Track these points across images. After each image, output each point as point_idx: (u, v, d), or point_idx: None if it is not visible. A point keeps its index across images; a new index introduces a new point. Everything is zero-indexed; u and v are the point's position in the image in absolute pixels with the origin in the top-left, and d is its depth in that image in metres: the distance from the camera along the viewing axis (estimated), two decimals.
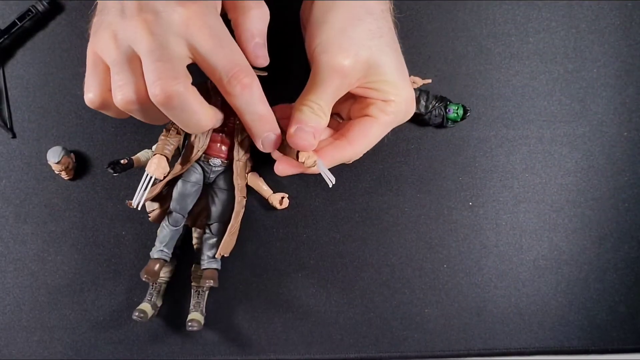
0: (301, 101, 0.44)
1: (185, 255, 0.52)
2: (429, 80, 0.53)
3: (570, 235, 0.54)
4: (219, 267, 0.50)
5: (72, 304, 0.53)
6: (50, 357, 0.52)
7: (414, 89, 0.52)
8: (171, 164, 0.47)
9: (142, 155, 0.49)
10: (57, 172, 0.51)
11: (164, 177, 0.46)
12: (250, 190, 0.52)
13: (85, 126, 0.53)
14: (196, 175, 0.48)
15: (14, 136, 0.53)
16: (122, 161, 0.46)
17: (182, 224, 0.49)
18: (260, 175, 0.52)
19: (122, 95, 0.38)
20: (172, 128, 0.47)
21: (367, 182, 0.54)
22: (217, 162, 0.48)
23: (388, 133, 0.46)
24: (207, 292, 0.51)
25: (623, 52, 0.55)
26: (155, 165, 0.45)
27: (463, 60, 0.54)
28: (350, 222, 0.53)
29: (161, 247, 0.49)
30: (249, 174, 0.51)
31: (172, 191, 0.49)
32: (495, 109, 0.54)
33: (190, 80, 0.39)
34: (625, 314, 0.54)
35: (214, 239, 0.50)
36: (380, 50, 0.43)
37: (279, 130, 0.43)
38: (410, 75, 0.53)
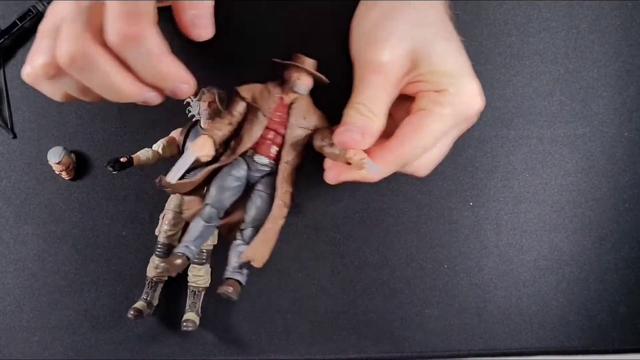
0: (348, 104, 0.41)
1: None
2: None
3: (571, 236, 0.54)
4: (244, 282, 0.46)
5: (72, 305, 0.53)
6: (51, 358, 0.52)
7: None
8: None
9: (141, 154, 0.49)
10: (57, 172, 0.51)
11: (207, 164, 0.44)
12: None
13: (85, 126, 0.53)
14: (240, 171, 0.45)
15: (15, 136, 0.53)
16: (121, 159, 0.46)
17: (215, 223, 0.46)
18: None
19: (69, 47, 0.33)
20: (226, 117, 0.44)
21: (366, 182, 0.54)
22: (263, 161, 0.45)
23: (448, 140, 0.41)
24: (203, 293, 0.51)
25: (624, 52, 0.55)
26: (200, 145, 0.42)
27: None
28: (350, 222, 0.53)
29: (187, 243, 0.45)
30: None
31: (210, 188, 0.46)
32: (495, 109, 0.54)
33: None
34: (625, 314, 0.54)
35: (244, 247, 0.46)
36: (425, 39, 0.40)
37: (191, 81, 0.37)
38: None
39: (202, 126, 0.50)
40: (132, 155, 0.48)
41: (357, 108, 0.40)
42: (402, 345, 0.53)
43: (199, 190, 0.46)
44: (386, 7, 0.41)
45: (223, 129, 0.44)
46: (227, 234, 0.48)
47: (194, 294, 0.51)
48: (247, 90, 0.45)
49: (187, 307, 0.50)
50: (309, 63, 0.45)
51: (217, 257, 0.52)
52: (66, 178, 0.52)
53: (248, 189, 0.46)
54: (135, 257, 0.53)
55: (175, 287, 0.52)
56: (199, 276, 0.50)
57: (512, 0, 0.55)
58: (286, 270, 0.53)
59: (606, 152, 0.54)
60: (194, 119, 0.51)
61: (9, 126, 0.53)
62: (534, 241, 0.54)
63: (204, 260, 0.50)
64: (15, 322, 0.52)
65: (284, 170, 0.45)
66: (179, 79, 0.36)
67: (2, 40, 0.51)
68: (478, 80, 0.41)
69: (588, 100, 0.55)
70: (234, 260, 0.46)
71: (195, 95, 0.49)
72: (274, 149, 0.45)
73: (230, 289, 0.44)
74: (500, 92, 0.54)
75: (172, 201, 0.50)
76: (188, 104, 0.51)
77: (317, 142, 0.44)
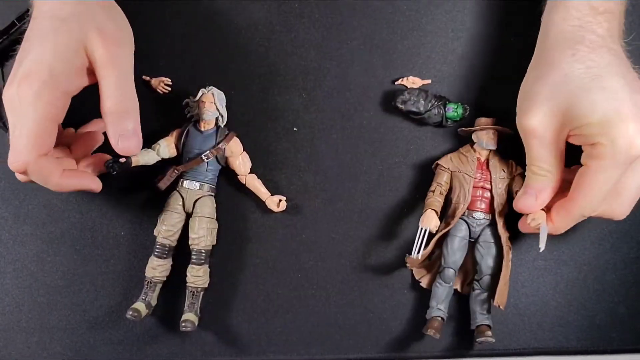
0: (527, 168, 0.46)
1: (179, 255, 0.52)
2: (429, 81, 0.53)
3: (570, 236, 0.54)
4: (491, 324, 0.50)
5: (71, 305, 0.52)
6: (50, 358, 0.52)
7: (414, 88, 0.52)
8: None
9: (140, 155, 0.49)
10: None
11: (437, 232, 0.50)
12: (249, 193, 0.52)
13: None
14: (463, 231, 0.51)
15: None
16: (120, 160, 0.47)
17: (453, 280, 0.51)
18: (258, 178, 0.52)
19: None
20: (436, 189, 0.51)
21: (366, 182, 0.54)
22: (480, 216, 0.50)
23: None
24: (201, 293, 0.51)
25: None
26: (429, 219, 0.49)
27: (462, 60, 0.54)
28: (349, 222, 0.53)
29: (438, 306, 0.51)
30: (247, 176, 0.51)
31: (440, 253, 0.52)
32: (494, 110, 0.54)
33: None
34: (624, 314, 0.54)
35: (485, 294, 0.51)
36: (570, 94, 0.41)
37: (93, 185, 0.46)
38: (409, 76, 0.53)
39: (201, 126, 0.50)
40: (131, 157, 0.48)
41: (532, 170, 0.45)
42: (401, 345, 0.53)
43: (429, 257, 0.52)
44: (535, 70, 0.45)
45: (440, 199, 0.51)
46: (462, 286, 0.53)
47: (193, 295, 0.51)
48: (446, 161, 0.51)
49: (185, 307, 0.50)
50: (491, 121, 0.51)
51: (215, 259, 0.52)
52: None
53: (472, 243, 0.52)
54: (133, 257, 0.53)
55: (173, 288, 0.52)
56: (198, 277, 0.50)
57: (511, 1, 0.55)
58: (285, 271, 0.53)
59: None
60: (192, 120, 0.51)
61: (7, 126, 0.53)
62: (533, 241, 0.54)
63: (203, 261, 0.50)
64: (13, 322, 0.52)
65: (501, 219, 0.50)
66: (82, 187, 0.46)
67: (1, 40, 0.51)
68: (633, 118, 0.40)
69: None
70: (478, 308, 0.51)
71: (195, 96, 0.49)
72: (485, 203, 0.51)
73: (490, 333, 0.49)
74: (499, 92, 0.54)
75: (170, 202, 0.50)
76: (187, 104, 0.51)
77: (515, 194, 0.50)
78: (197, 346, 0.53)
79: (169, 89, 0.53)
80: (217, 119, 0.51)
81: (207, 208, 0.51)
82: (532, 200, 0.45)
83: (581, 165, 0.43)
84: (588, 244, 0.54)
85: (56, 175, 0.43)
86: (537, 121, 0.43)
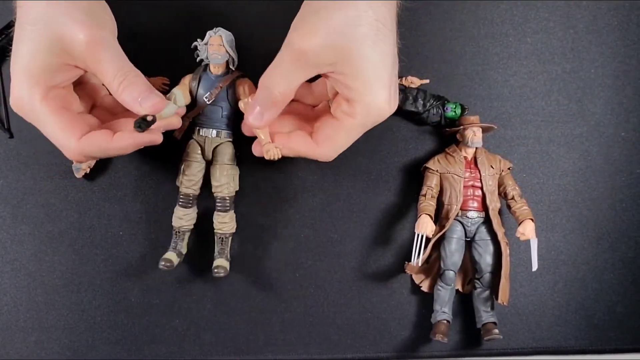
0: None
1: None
2: (427, 81, 0.53)
3: (568, 235, 0.54)
4: (496, 321, 0.51)
5: (69, 304, 0.52)
6: (48, 358, 0.52)
7: (412, 88, 0.52)
8: None
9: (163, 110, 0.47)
10: (82, 169, 0.51)
11: (433, 235, 0.50)
12: (247, 192, 0.52)
13: None
14: (458, 232, 0.51)
15: (12, 136, 0.53)
16: (148, 118, 0.44)
17: (454, 282, 0.51)
18: (257, 177, 0.52)
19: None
20: (427, 192, 0.51)
21: (365, 182, 0.54)
22: (473, 215, 0.51)
23: (365, 133, 0.45)
24: (230, 239, 0.51)
25: (621, 53, 0.55)
26: (424, 224, 0.49)
27: (461, 60, 0.54)
28: (348, 222, 0.53)
29: (442, 309, 0.51)
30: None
31: (437, 256, 0.52)
32: (492, 109, 0.54)
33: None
34: (622, 314, 0.54)
35: (487, 292, 0.51)
36: (356, 40, 0.41)
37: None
38: (407, 76, 0.53)
39: (212, 70, 0.49)
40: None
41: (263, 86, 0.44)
42: (400, 345, 0.53)
43: (427, 260, 0.53)
44: (329, 1, 0.42)
45: (432, 203, 0.51)
46: (463, 286, 0.53)
47: (222, 241, 0.51)
48: (434, 163, 0.51)
49: (215, 253, 0.50)
50: (476, 119, 0.51)
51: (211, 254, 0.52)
52: (79, 176, 0.51)
53: (469, 242, 0.52)
54: (131, 256, 0.53)
55: (174, 284, 0.52)
56: (224, 223, 0.50)
57: (510, 0, 0.55)
58: (283, 270, 0.53)
59: (603, 152, 0.55)
60: (203, 63, 0.50)
61: (5, 126, 0.53)
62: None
63: (228, 207, 0.50)
64: (12, 322, 0.52)
65: (495, 216, 0.51)
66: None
67: None
68: (389, 88, 0.42)
69: (585, 101, 0.55)
70: (482, 307, 0.51)
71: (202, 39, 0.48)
72: (477, 202, 0.51)
73: (496, 331, 0.50)
74: (497, 92, 0.54)
75: (189, 151, 0.50)
76: (195, 47, 0.50)
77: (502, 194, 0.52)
78: (195, 346, 0.53)
79: (167, 88, 0.53)
80: (227, 62, 0.49)
81: (227, 155, 0.50)
82: (258, 115, 0.43)
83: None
84: (586, 244, 0.54)
85: (109, 142, 0.43)
86: (314, 43, 0.41)
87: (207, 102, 0.49)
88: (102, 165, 0.52)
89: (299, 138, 0.45)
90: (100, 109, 0.48)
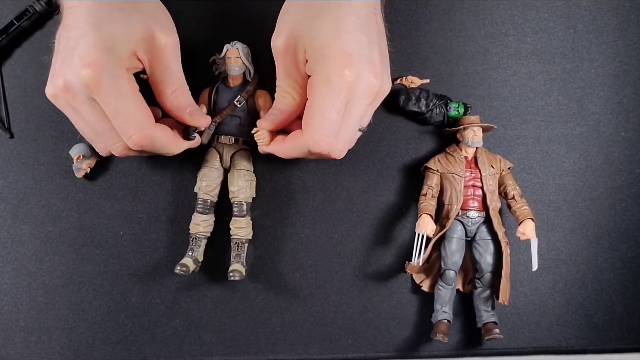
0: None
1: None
2: (427, 80, 0.53)
3: (568, 235, 0.54)
4: (497, 320, 0.51)
5: (69, 304, 0.53)
6: (48, 358, 0.52)
7: (415, 88, 0.52)
8: None
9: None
10: (83, 168, 0.51)
11: (434, 235, 0.50)
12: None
13: None
14: (459, 232, 0.51)
15: (12, 136, 0.53)
16: (197, 130, 0.48)
17: (454, 282, 0.51)
18: (257, 176, 0.52)
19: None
20: (428, 192, 0.51)
21: (365, 181, 0.54)
22: (474, 215, 0.51)
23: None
24: (246, 245, 0.51)
25: (620, 52, 0.55)
26: (425, 224, 0.49)
27: (461, 60, 0.54)
28: (348, 222, 0.53)
29: (443, 309, 0.51)
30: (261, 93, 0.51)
31: (438, 255, 0.52)
32: (492, 109, 0.54)
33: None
34: (622, 313, 0.54)
35: (487, 292, 0.51)
36: (309, 18, 0.42)
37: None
38: (408, 76, 0.53)
39: (230, 82, 0.50)
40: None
41: (277, 91, 0.47)
42: (400, 345, 0.53)
43: (427, 260, 0.52)
44: None
45: (433, 203, 0.51)
46: (464, 286, 0.53)
47: (238, 246, 0.51)
48: (434, 163, 0.51)
49: (232, 259, 0.51)
50: (476, 119, 0.51)
51: (214, 258, 0.52)
52: (79, 176, 0.51)
53: (469, 242, 0.52)
54: (132, 256, 0.53)
55: (174, 282, 0.52)
56: (241, 228, 0.51)
57: (509, 0, 0.55)
58: (283, 270, 0.53)
59: (603, 151, 0.55)
60: (221, 77, 0.51)
61: (6, 126, 0.53)
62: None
63: (245, 212, 0.51)
64: (12, 321, 0.52)
65: (496, 215, 0.51)
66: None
67: (0, 40, 0.51)
68: (352, 47, 0.41)
69: (585, 100, 0.55)
70: (482, 306, 0.51)
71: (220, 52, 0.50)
72: (478, 202, 0.51)
73: (497, 330, 0.50)
74: (497, 91, 0.54)
75: (208, 159, 0.51)
76: (214, 61, 0.51)
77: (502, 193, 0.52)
78: (195, 346, 0.53)
79: None
80: (244, 73, 0.51)
81: (244, 161, 0.51)
82: (273, 119, 0.46)
83: None
84: (586, 244, 0.54)
85: (171, 139, 0.45)
86: (281, 42, 0.43)
87: (238, 105, 0.50)
88: (102, 165, 0.52)
89: (291, 135, 0.46)
90: None
